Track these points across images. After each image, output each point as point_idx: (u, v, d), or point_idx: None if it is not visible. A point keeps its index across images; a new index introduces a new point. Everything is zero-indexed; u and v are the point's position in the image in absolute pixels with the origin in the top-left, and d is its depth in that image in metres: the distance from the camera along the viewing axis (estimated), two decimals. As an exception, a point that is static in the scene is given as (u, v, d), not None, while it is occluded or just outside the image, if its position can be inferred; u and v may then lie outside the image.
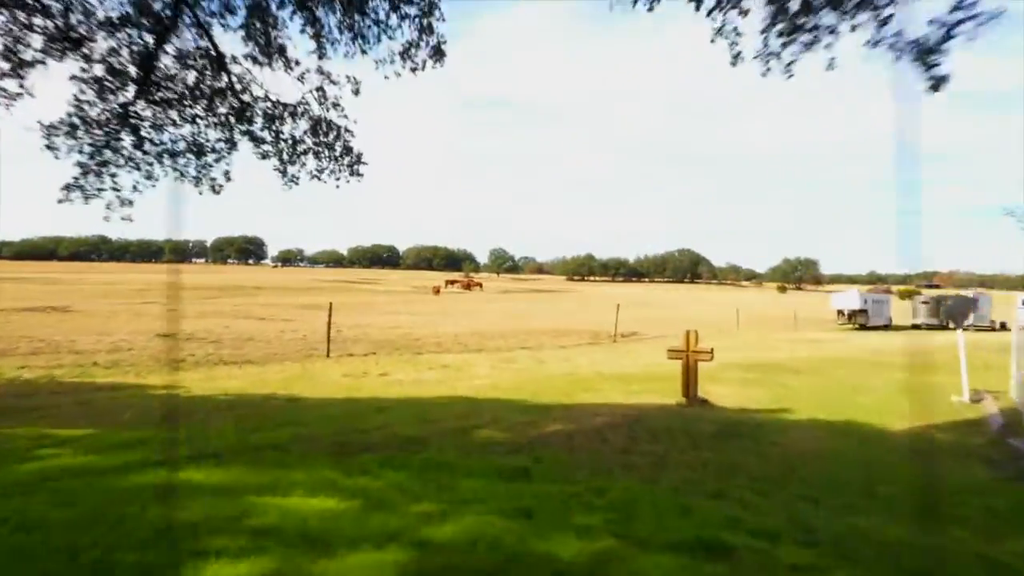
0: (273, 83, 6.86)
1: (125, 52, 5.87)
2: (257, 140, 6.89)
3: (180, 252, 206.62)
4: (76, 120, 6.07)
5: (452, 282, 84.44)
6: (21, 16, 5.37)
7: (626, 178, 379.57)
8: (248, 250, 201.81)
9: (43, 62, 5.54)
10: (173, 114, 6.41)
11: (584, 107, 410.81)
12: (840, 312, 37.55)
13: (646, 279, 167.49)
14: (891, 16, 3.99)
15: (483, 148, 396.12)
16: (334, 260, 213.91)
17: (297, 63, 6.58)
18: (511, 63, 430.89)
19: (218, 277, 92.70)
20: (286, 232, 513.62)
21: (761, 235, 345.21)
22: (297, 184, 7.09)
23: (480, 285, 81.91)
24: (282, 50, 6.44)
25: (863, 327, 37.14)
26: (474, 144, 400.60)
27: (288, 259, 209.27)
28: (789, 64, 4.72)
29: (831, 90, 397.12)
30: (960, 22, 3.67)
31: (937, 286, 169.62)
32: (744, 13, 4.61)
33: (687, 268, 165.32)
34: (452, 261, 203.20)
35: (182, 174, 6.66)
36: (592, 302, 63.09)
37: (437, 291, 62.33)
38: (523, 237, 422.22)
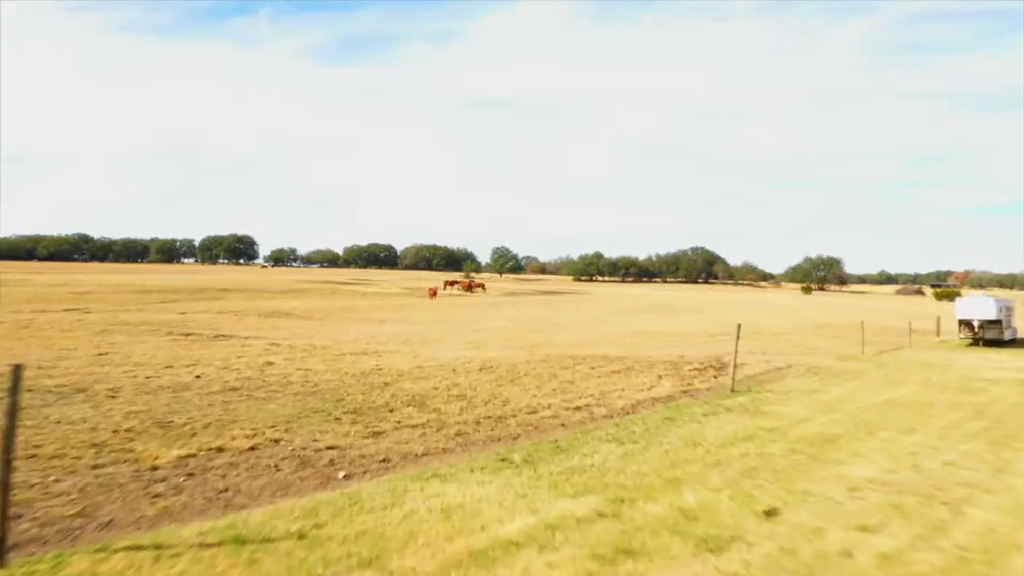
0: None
1: None
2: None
3: (167, 251, 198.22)
4: None
5: (451, 283, 75.58)
6: None
7: (627, 177, 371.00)
8: (239, 249, 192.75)
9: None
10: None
11: (584, 106, 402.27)
12: (965, 323, 28.49)
13: (657, 279, 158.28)
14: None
15: (483, 148, 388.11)
16: (329, 260, 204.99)
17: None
18: (511, 63, 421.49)
19: (193, 278, 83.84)
20: (284, 232, 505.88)
21: (765, 235, 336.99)
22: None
23: (483, 286, 73.07)
24: None
25: (989, 343, 28.10)
26: (474, 144, 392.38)
27: (280, 259, 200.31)
28: None
29: (834, 90, 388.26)
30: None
31: (954, 286, 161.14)
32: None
33: (701, 267, 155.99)
34: (452, 261, 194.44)
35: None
36: (616, 306, 54.16)
37: (434, 294, 53.45)
38: (523, 237, 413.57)
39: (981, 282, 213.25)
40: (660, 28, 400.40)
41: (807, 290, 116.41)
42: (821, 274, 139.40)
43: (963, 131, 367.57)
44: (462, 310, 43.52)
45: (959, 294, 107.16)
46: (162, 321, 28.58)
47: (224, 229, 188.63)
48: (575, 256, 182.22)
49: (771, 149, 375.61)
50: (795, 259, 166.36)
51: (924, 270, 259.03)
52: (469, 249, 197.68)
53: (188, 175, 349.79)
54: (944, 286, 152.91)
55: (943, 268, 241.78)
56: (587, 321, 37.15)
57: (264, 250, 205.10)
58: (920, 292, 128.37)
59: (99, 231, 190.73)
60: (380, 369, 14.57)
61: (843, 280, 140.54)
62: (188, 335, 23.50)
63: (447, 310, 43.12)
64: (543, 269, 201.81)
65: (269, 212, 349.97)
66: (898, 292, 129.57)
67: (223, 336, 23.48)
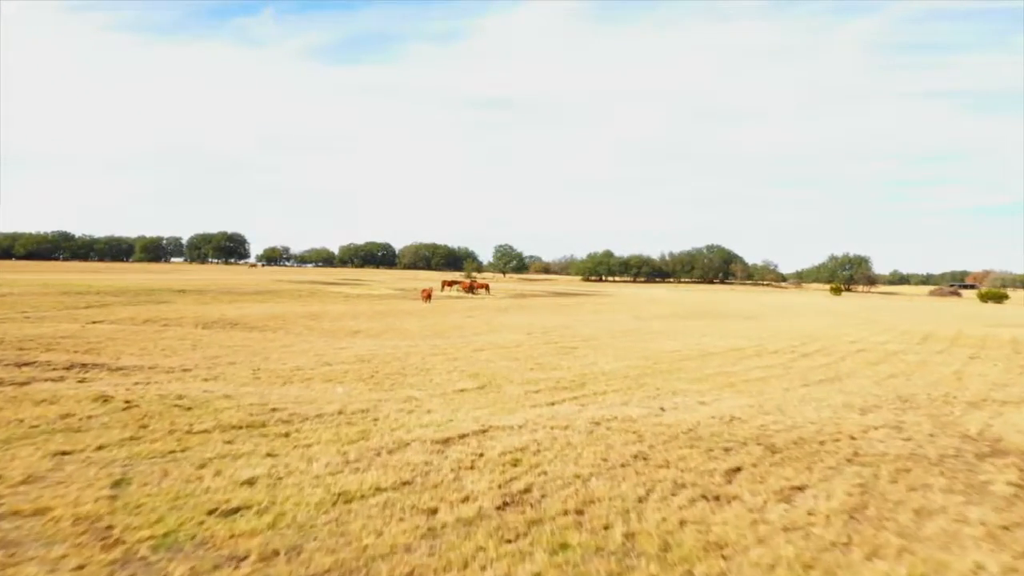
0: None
1: None
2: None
3: (153, 250, 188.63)
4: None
5: (450, 283, 66.53)
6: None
7: (629, 177, 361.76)
8: (229, 248, 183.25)
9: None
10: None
11: (585, 106, 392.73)
12: None
13: (671, 279, 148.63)
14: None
15: (484, 148, 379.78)
16: (324, 259, 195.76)
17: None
18: (513, 63, 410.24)
19: (159, 277, 74.81)
20: (285, 232, 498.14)
21: (769, 235, 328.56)
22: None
23: (486, 287, 64.01)
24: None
25: None
26: (475, 143, 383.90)
27: (273, 257, 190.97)
28: None
29: (838, 89, 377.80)
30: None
31: (973, 286, 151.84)
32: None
33: (718, 267, 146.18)
34: (453, 260, 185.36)
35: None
36: (647, 311, 44.95)
37: (428, 296, 44.35)
38: (523, 237, 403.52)
39: (1003, 282, 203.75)
40: (663, 27, 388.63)
41: (836, 291, 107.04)
42: (847, 273, 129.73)
43: (969, 130, 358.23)
44: (463, 317, 34.43)
45: (1006, 296, 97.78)
46: (28, 338, 19.59)
47: (223, 229, 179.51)
48: (578, 255, 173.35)
49: (773, 149, 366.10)
50: (801, 259, 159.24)
51: (935, 270, 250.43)
52: (470, 248, 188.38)
53: (189, 175, 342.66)
54: (967, 286, 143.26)
55: (948, 269, 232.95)
56: (626, 333, 28.02)
57: (259, 249, 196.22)
58: (956, 293, 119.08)
59: (101, 231, 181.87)
60: (240, 511, 5.47)
61: (872, 280, 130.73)
62: (21, 365, 14.64)
63: (444, 317, 34.05)
64: (547, 268, 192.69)
65: (269, 212, 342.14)
66: (932, 293, 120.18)
67: (74, 368, 14.59)
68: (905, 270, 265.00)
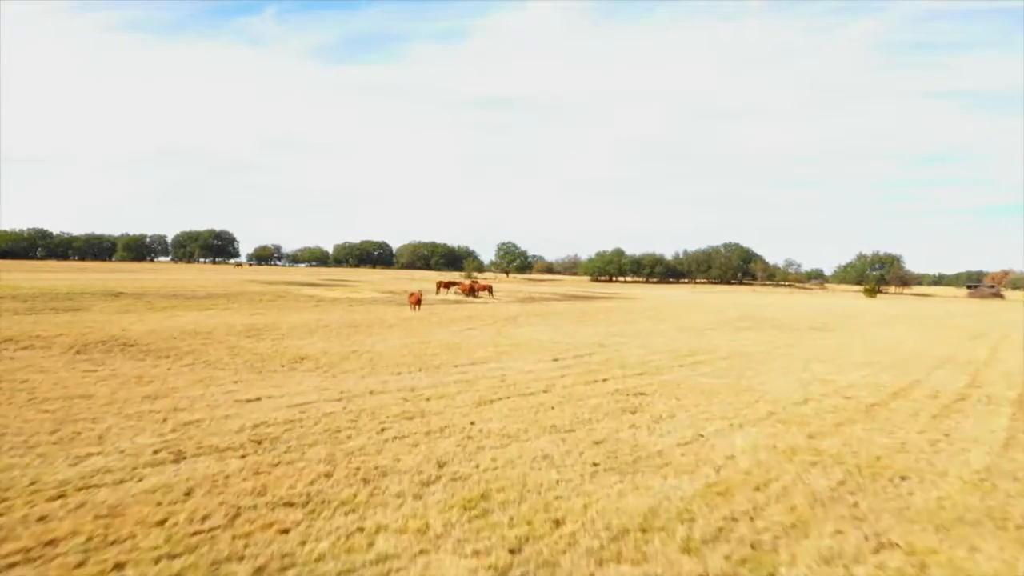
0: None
1: None
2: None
3: (136, 248, 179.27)
4: None
5: (447, 284, 57.64)
6: None
7: (630, 177, 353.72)
8: (216, 246, 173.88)
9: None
10: None
11: (585, 106, 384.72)
12: None
13: (686, 279, 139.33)
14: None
15: (485, 147, 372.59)
16: (317, 258, 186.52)
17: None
18: (515, 63, 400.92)
19: (110, 276, 65.82)
20: (284, 232, 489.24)
21: (772, 235, 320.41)
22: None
23: (489, 289, 55.08)
24: None
25: None
26: (476, 143, 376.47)
27: (264, 257, 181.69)
28: None
29: (841, 89, 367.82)
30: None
31: (992, 286, 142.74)
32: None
33: (737, 266, 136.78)
34: (452, 259, 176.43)
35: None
36: (685, 319, 35.78)
37: (418, 302, 35.37)
38: (524, 237, 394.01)
39: (1020, 282, 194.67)
40: (664, 27, 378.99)
41: (871, 292, 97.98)
42: (876, 273, 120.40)
43: (970, 130, 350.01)
44: (460, 331, 25.43)
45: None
46: None
47: (222, 228, 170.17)
48: (580, 255, 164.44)
49: (774, 149, 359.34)
50: (801, 259, 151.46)
51: (935, 271, 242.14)
52: (470, 248, 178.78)
53: (189, 175, 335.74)
54: (987, 287, 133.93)
55: (955, 269, 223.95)
56: (695, 358, 19.01)
57: (248, 247, 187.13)
58: (999, 295, 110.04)
59: (101, 231, 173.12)
60: None
61: (905, 281, 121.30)
62: None
63: (435, 331, 25.05)
64: (550, 268, 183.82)
65: (268, 212, 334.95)
66: (970, 295, 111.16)
67: None
68: (917, 270, 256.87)
